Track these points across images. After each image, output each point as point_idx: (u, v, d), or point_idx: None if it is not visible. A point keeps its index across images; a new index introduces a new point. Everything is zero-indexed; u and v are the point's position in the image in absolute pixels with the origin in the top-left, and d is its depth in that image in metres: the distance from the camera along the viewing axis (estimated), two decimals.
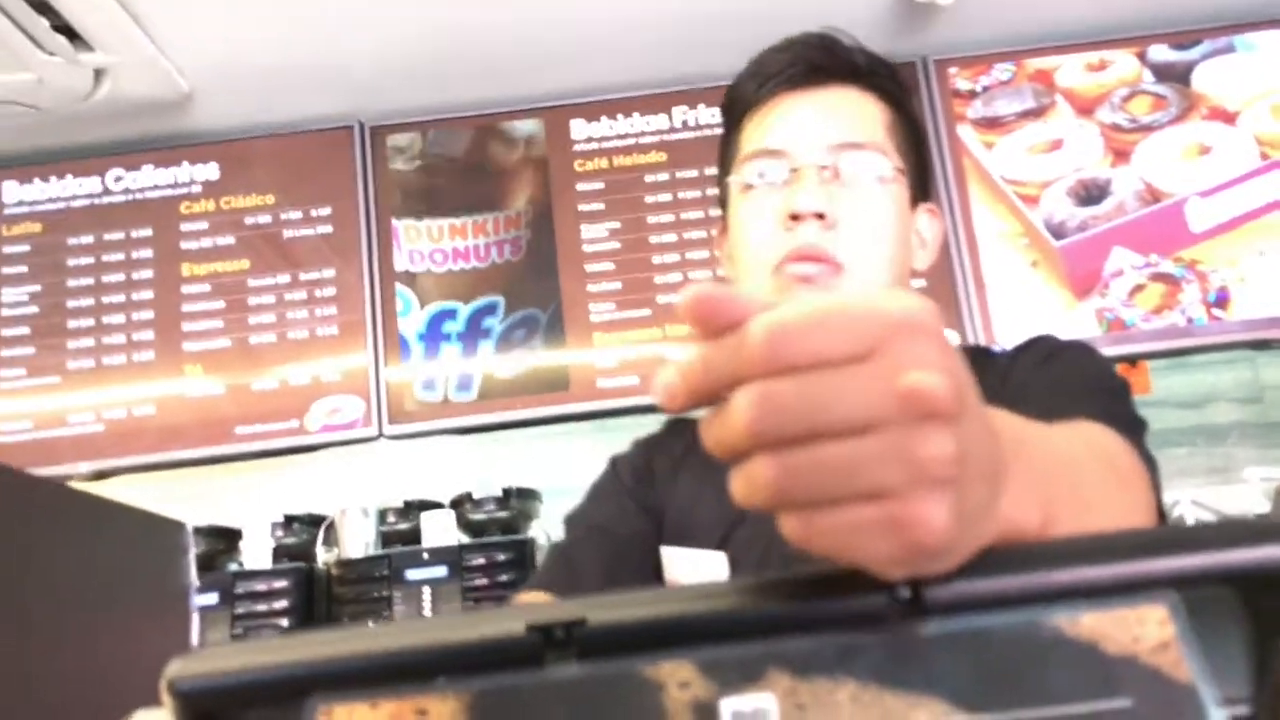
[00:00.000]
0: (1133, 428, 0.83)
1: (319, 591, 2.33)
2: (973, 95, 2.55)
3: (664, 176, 2.53)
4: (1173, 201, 2.43)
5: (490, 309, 2.46)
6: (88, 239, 2.54)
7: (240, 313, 2.48)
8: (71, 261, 2.53)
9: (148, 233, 2.54)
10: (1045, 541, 0.39)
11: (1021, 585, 0.36)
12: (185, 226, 2.54)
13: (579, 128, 2.58)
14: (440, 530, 2.32)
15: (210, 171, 2.58)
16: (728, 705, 0.33)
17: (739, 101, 1.06)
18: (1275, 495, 2.25)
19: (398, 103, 2.56)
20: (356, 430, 2.41)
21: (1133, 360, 2.35)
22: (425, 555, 2.27)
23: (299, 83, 2.44)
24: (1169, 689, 0.33)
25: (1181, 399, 2.54)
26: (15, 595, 0.40)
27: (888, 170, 0.99)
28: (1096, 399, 0.85)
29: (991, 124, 2.53)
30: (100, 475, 2.40)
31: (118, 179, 2.58)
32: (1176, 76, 2.53)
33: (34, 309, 2.50)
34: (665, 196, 2.52)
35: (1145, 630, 0.34)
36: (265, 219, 2.55)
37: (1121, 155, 2.47)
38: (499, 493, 2.35)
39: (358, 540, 2.38)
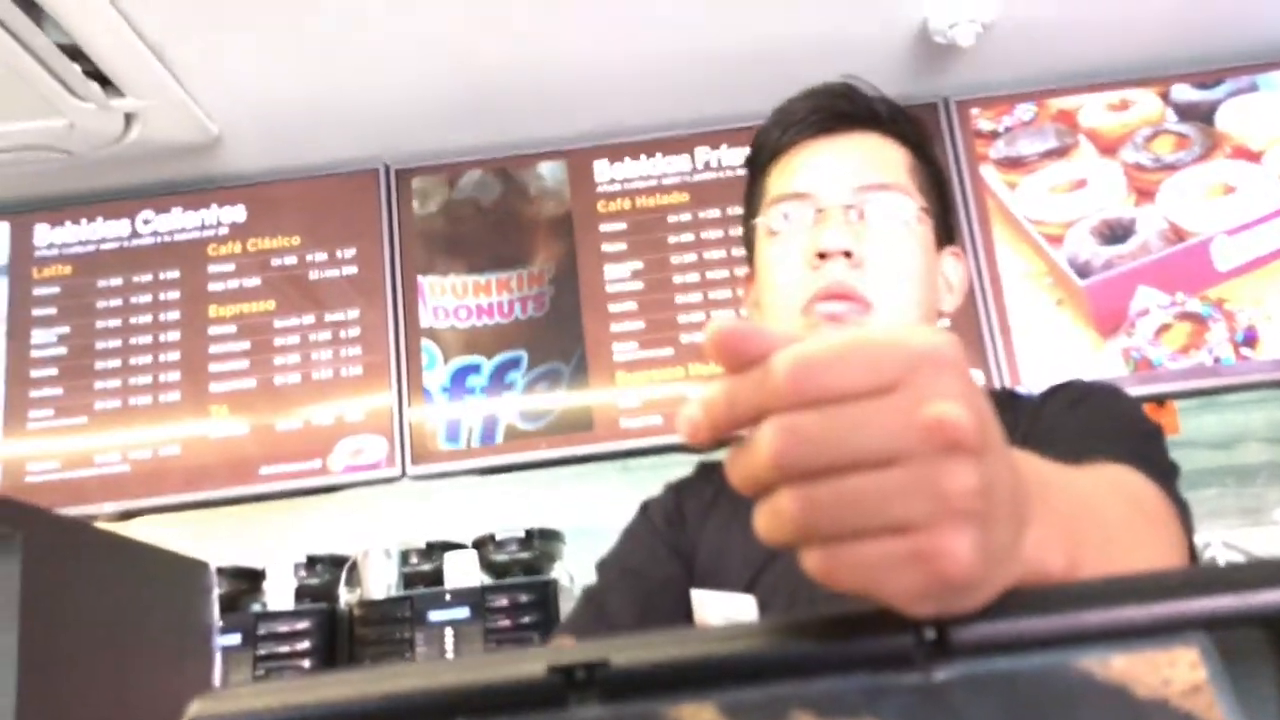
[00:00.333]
0: (1164, 472, 0.82)
1: (341, 633, 2.33)
2: (995, 136, 2.55)
3: (686, 217, 2.54)
4: (1198, 240, 2.42)
5: (514, 363, 2.47)
6: (116, 281, 2.57)
7: (265, 353, 2.50)
8: (100, 303, 2.55)
9: (175, 274, 2.57)
10: (1074, 582, 0.39)
11: (1049, 626, 0.35)
12: (212, 268, 2.57)
13: (602, 169, 2.59)
14: (463, 571, 2.31)
15: (237, 214, 2.61)
16: None
17: (764, 149, 1.07)
18: None
19: (422, 145, 2.59)
20: (380, 471, 2.41)
21: (1160, 400, 2.33)
22: (448, 597, 2.26)
23: (325, 126, 2.47)
24: None
25: (1211, 439, 2.51)
26: (43, 634, 0.40)
27: (913, 210, 0.99)
28: (1127, 443, 0.84)
29: (1014, 164, 2.53)
30: (126, 515, 2.41)
31: (146, 222, 2.62)
32: (1200, 116, 2.53)
33: (63, 350, 2.52)
34: (688, 237, 2.53)
35: (1176, 673, 0.33)
36: (291, 260, 2.57)
37: (1145, 194, 2.47)
38: (521, 534, 2.35)
39: (380, 581, 2.37)
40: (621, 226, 2.55)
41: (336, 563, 2.42)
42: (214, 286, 2.56)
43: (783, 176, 1.03)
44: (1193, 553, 0.81)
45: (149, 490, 2.41)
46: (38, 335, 2.53)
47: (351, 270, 2.55)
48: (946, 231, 1.07)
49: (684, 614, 1.00)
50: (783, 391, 0.35)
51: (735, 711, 0.33)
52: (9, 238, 2.61)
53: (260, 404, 2.46)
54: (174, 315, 2.54)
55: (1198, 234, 2.42)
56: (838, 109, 1.03)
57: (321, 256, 2.56)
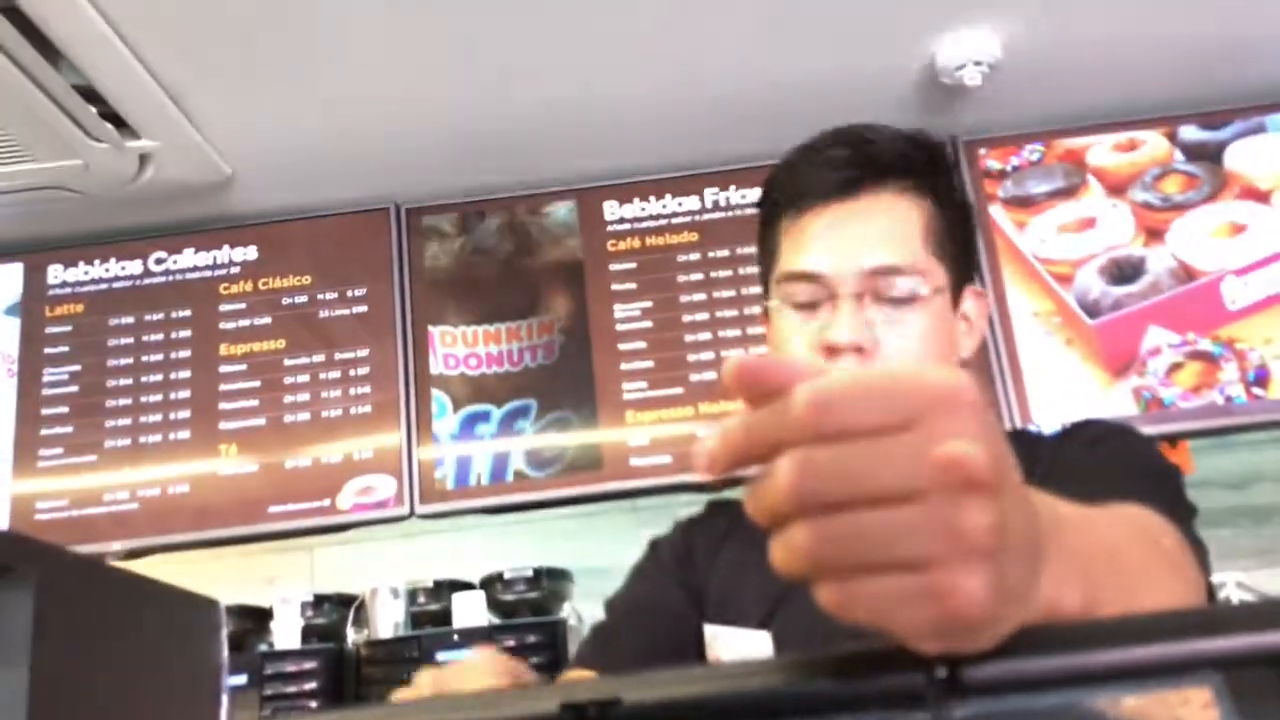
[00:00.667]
0: (1181, 512, 0.82)
1: (348, 672, 2.31)
2: (1003, 175, 2.56)
3: (696, 256, 2.55)
4: (1208, 279, 2.41)
5: (523, 411, 2.47)
6: (128, 319, 2.58)
7: (275, 392, 2.50)
8: (111, 341, 2.57)
9: (187, 313, 2.58)
10: (1086, 621, 0.38)
11: (1062, 666, 0.35)
12: (224, 307, 2.58)
13: (612, 209, 2.61)
14: (471, 611, 2.30)
15: (249, 253, 2.63)
16: None
17: (775, 205, 1.06)
18: None
19: (433, 185, 2.60)
20: (388, 510, 2.41)
21: (1173, 440, 2.32)
22: (455, 636, 2.25)
23: (337, 166, 2.49)
24: None
25: (1225, 479, 2.50)
26: (54, 671, 0.40)
27: (925, 290, 0.98)
28: (1144, 483, 0.84)
29: (1023, 203, 2.54)
30: (133, 554, 2.41)
31: (159, 261, 2.63)
32: (1208, 156, 2.53)
33: (74, 388, 2.53)
34: (697, 276, 2.54)
35: (1189, 712, 0.33)
36: (302, 299, 2.58)
37: (1154, 234, 2.47)
38: (530, 573, 2.34)
39: (388, 620, 2.36)
40: (631, 266, 2.56)
41: (344, 602, 2.41)
42: (225, 325, 2.57)
43: (794, 250, 1.02)
44: (1211, 593, 0.80)
45: (157, 529, 2.41)
46: (49, 374, 2.54)
47: (362, 309, 2.56)
48: (968, 270, 1.06)
49: (693, 650, 1.00)
50: (801, 425, 0.36)
51: None
52: (23, 277, 2.63)
53: (269, 442, 2.46)
54: (185, 354, 2.55)
55: (1207, 273, 2.42)
56: (848, 175, 1.01)
57: (332, 295, 2.57)
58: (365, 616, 2.39)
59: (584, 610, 2.34)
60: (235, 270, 2.62)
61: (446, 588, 2.36)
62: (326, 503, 2.41)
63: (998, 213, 2.53)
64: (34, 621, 0.39)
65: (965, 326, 1.06)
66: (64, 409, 2.51)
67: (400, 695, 0.73)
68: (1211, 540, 0.82)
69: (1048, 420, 2.30)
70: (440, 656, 2.22)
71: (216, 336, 2.56)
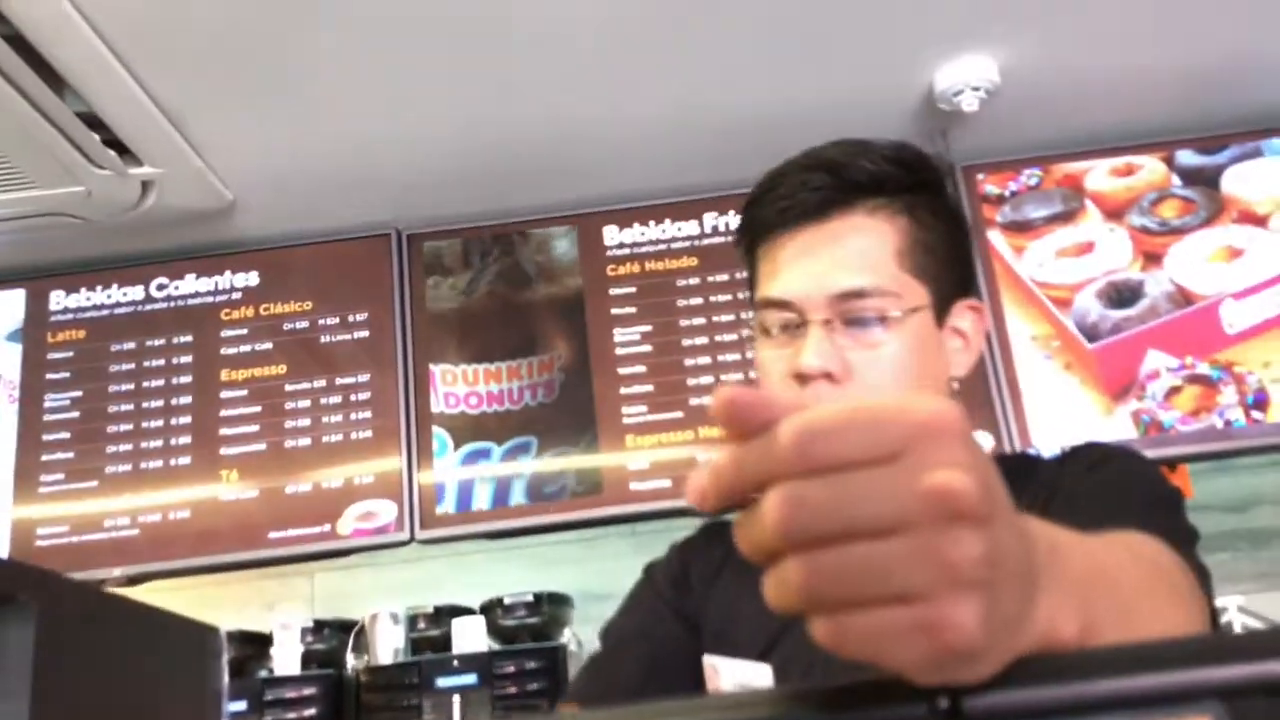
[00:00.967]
0: (1183, 537, 0.81)
1: (348, 698, 2.31)
2: (1001, 200, 2.57)
3: (695, 280, 2.56)
4: (1206, 303, 2.42)
5: (524, 448, 2.47)
6: (130, 345, 2.58)
7: (276, 417, 2.50)
8: (113, 367, 2.57)
9: (188, 339, 2.58)
10: (1086, 650, 0.38)
11: (1063, 695, 0.35)
12: (225, 333, 2.59)
13: (611, 234, 2.62)
14: (471, 636, 2.29)
15: (251, 279, 2.63)
16: None
17: (749, 228, 1.06)
18: None
19: (434, 210, 2.61)
20: (389, 535, 2.40)
21: (1172, 464, 2.32)
22: (455, 662, 2.24)
23: (338, 191, 2.50)
24: None
25: (1225, 503, 2.49)
26: (55, 700, 0.40)
27: (896, 313, 0.97)
28: (1145, 508, 0.84)
29: (1021, 228, 2.54)
30: (134, 580, 2.40)
31: (160, 286, 2.64)
32: (1205, 180, 2.54)
33: (75, 414, 2.53)
34: (697, 300, 2.54)
35: None
36: (303, 324, 2.59)
37: (1152, 258, 2.48)
38: (530, 598, 2.33)
39: (388, 646, 2.35)
40: (631, 290, 2.56)
41: (344, 627, 2.40)
42: (226, 350, 2.57)
43: (768, 275, 1.02)
44: (1214, 619, 0.80)
45: (158, 554, 2.40)
46: (50, 399, 2.54)
47: (363, 334, 2.56)
48: (963, 284, 1.04)
49: (690, 678, 0.99)
50: (787, 460, 0.35)
51: None
52: (25, 303, 2.64)
53: (270, 467, 2.46)
54: (186, 379, 2.55)
55: (1206, 297, 2.42)
56: (817, 199, 0.99)
57: (333, 320, 2.58)
58: (365, 642, 2.38)
59: (584, 635, 2.33)
60: (236, 296, 2.62)
61: (447, 613, 2.35)
62: (327, 528, 2.40)
63: (996, 238, 2.54)
64: (35, 650, 0.39)
65: (960, 343, 1.04)
66: (65, 434, 2.51)
67: None
68: (1211, 564, 0.82)
69: (1047, 444, 2.30)
70: (440, 683, 2.21)
71: (218, 362, 2.56)
